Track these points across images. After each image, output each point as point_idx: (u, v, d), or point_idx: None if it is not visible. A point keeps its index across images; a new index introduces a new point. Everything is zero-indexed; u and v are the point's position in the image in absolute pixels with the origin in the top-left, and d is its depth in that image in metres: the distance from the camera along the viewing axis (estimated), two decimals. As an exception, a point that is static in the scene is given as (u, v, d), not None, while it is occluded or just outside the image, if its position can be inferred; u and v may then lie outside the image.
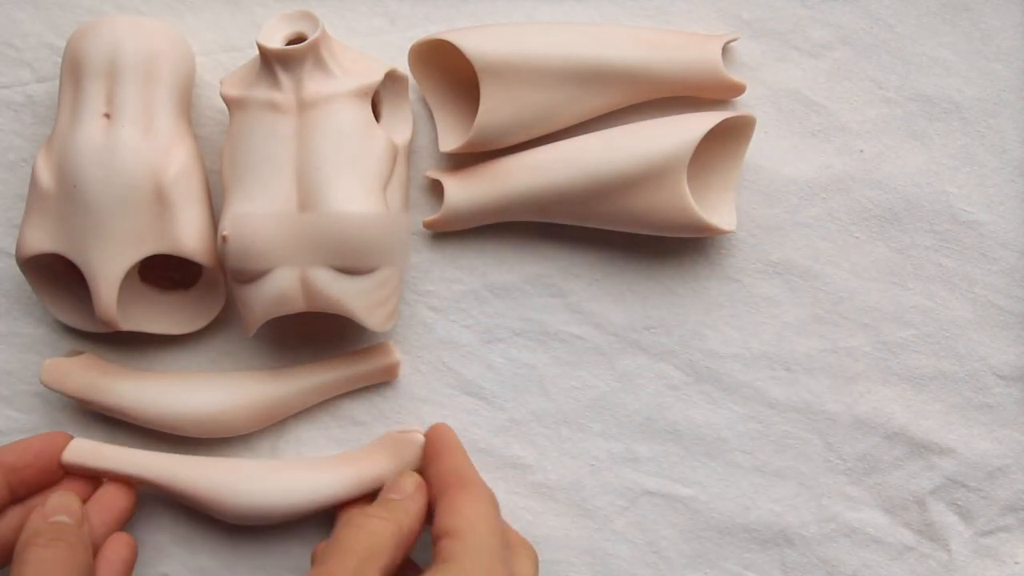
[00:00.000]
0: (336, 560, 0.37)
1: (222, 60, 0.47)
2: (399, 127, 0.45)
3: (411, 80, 0.45)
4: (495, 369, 0.46)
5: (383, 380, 0.47)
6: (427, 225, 0.46)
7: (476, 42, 0.43)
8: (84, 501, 0.42)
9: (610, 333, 0.46)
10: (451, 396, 0.46)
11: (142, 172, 0.42)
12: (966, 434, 0.46)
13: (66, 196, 0.42)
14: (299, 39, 0.42)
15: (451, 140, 0.45)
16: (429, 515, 0.41)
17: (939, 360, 0.46)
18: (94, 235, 0.42)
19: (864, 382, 0.46)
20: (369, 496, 0.44)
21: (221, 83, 0.43)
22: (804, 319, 0.46)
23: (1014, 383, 0.46)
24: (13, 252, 0.46)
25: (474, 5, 0.47)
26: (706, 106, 0.45)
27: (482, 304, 0.46)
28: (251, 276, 0.42)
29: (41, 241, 0.43)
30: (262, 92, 0.42)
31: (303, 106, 0.41)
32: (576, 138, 0.44)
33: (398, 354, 0.46)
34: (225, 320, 0.47)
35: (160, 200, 0.42)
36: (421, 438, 0.45)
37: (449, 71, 0.45)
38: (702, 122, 0.42)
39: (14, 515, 0.42)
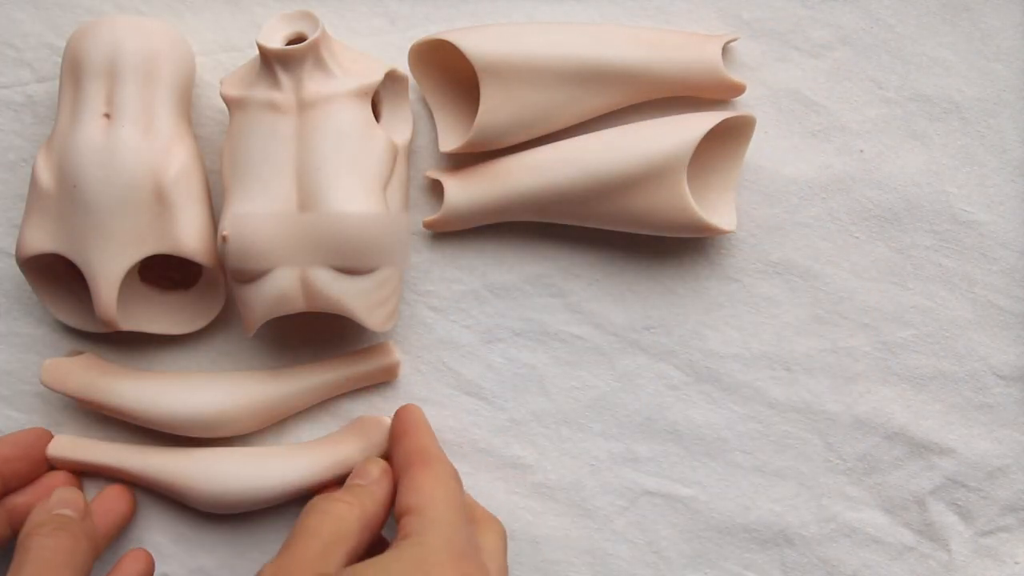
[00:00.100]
0: (301, 544, 0.37)
1: (222, 60, 0.47)
2: (399, 127, 0.45)
3: (411, 80, 0.45)
4: (495, 369, 0.46)
5: (383, 380, 0.47)
6: (427, 225, 0.46)
7: (476, 42, 0.43)
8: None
9: (610, 333, 0.46)
10: (451, 396, 0.47)
11: (142, 172, 0.42)
12: (966, 434, 0.46)
13: (66, 196, 0.42)
14: (299, 39, 0.42)
15: (451, 140, 0.45)
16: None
17: (939, 360, 0.46)
18: (94, 235, 0.42)
19: (864, 382, 0.46)
20: (340, 481, 0.44)
21: (221, 83, 0.43)
22: (804, 319, 0.46)
23: (1014, 383, 0.46)
24: (13, 252, 0.46)
25: (474, 5, 0.47)
26: (706, 106, 0.45)
27: (482, 304, 0.46)
28: (251, 276, 0.42)
29: (41, 241, 0.43)
30: (262, 92, 0.42)
31: (303, 106, 0.41)
32: (576, 138, 0.44)
33: (398, 354, 0.46)
34: (225, 320, 0.47)
35: (160, 200, 0.42)
36: (389, 421, 0.45)
37: (449, 71, 0.45)
38: (702, 122, 0.42)
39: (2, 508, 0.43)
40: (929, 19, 0.46)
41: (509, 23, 0.45)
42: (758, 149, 0.46)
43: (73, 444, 0.45)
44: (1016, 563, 0.46)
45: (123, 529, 0.46)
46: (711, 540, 0.46)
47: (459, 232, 0.46)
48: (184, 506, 0.46)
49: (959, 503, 0.46)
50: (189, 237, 0.43)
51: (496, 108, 0.43)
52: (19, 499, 0.44)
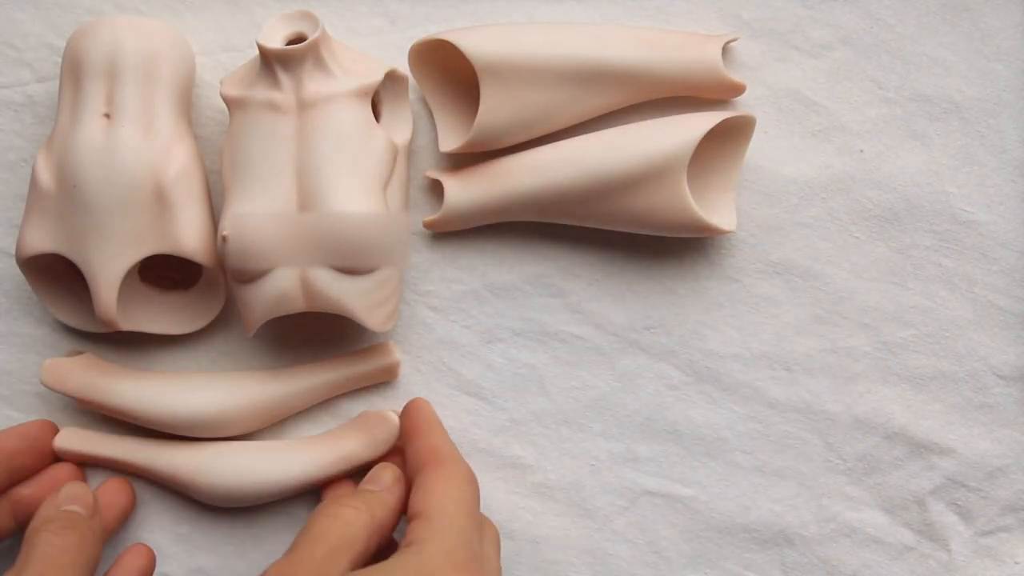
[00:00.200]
0: (307, 548, 0.37)
1: (222, 60, 0.47)
2: (399, 127, 0.45)
3: (411, 80, 0.45)
4: (495, 369, 0.46)
5: (383, 380, 0.47)
6: (427, 225, 0.46)
7: (476, 42, 0.43)
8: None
9: (610, 333, 0.46)
10: (451, 396, 0.47)
11: (142, 172, 0.42)
12: (966, 434, 0.46)
13: (66, 196, 0.42)
14: (299, 39, 0.42)
15: (451, 140, 0.45)
16: None
17: (939, 360, 0.46)
18: (94, 235, 0.42)
19: (864, 382, 0.46)
20: (344, 476, 0.45)
21: (221, 83, 0.43)
22: (804, 319, 0.46)
23: (1014, 383, 0.46)
24: (13, 252, 0.46)
25: (474, 5, 0.47)
26: (706, 106, 0.45)
27: (482, 304, 0.46)
28: (251, 276, 0.42)
29: (41, 241, 0.43)
30: (262, 92, 0.42)
31: (303, 106, 0.41)
32: (576, 138, 0.44)
33: (398, 354, 0.46)
34: (225, 320, 0.47)
35: (160, 200, 0.42)
36: (394, 417, 0.45)
37: (449, 71, 0.45)
38: (702, 122, 0.42)
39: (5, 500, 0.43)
40: (929, 19, 0.46)
41: (509, 23, 0.45)
42: (758, 149, 0.46)
43: (80, 436, 0.46)
44: (1016, 563, 0.46)
45: (123, 523, 0.46)
46: (711, 540, 0.46)
47: (459, 232, 0.46)
48: (184, 506, 0.46)
49: (959, 503, 0.46)
50: (189, 237, 0.43)
51: (496, 108, 0.43)
52: (25, 491, 0.44)
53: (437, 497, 0.38)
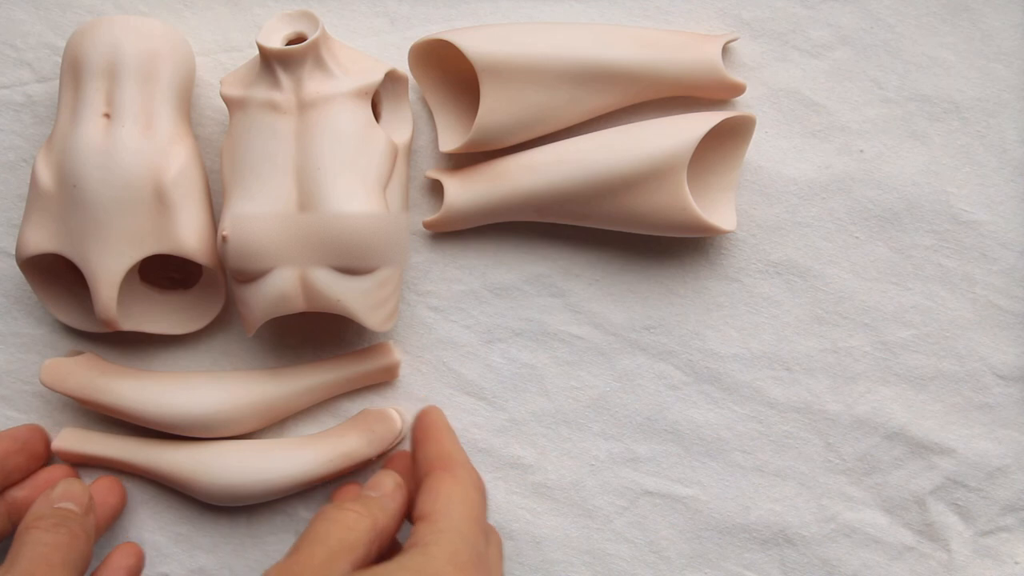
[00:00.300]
0: (307, 550, 0.37)
1: (222, 60, 0.47)
2: (399, 127, 0.45)
3: (411, 80, 0.45)
4: (495, 369, 0.46)
5: (383, 380, 0.47)
6: (427, 225, 0.46)
7: (476, 42, 0.43)
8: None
9: (610, 333, 0.46)
10: (451, 396, 0.47)
11: (142, 172, 0.42)
12: (966, 434, 0.46)
13: (66, 196, 0.42)
14: (299, 39, 0.42)
15: (451, 140, 0.45)
16: None
17: (939, 360, 0.46)
18: (94, 235, 0.42)
19: (864, 382, 0.46)
20: (344, 473, 0.45)
21: (221, 83, 0.43)
22: (804, 319, 0.46)
23: (1014, 383, 0.46)
24: (13, 252, 0.46)
25: (474, 5, 0.47)
26: (706, 106, 0.45)
27: (482, 304, 0.46)
28: (251, 276, 0.42)
29: (41, 241, 0.43)
30: (262, 92, 0.42)
31: (303, 106, 0.41)
32: (576, 138, 0.44)
33: (398, 354, 0.46)
34: (225, 320, 0.47)
35: (160, 200, 0.42)
36: (395, 414, 0.45)
37: (449, 71, 0.45)
38: (702, 122, 0.42)
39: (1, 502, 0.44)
40: (929, 19, 0.46)
41: (509, 23, 0.45)
42: (758, 149, 0.46)
43: (80, 437, 0.46)
44: (1016, 563, 0.46)
45: (113, 521, 0.46)
46: (711, 540, 0.46)
47: (459, 232, 0.46)
48: (184, 506, 0.46)
49: (959, 503, 0.46)
50: (189, 237, 0.43)
51: (496, 108, 0.43)
52: (19, 493, 0.44)
53: (444, 500, 0.38)
